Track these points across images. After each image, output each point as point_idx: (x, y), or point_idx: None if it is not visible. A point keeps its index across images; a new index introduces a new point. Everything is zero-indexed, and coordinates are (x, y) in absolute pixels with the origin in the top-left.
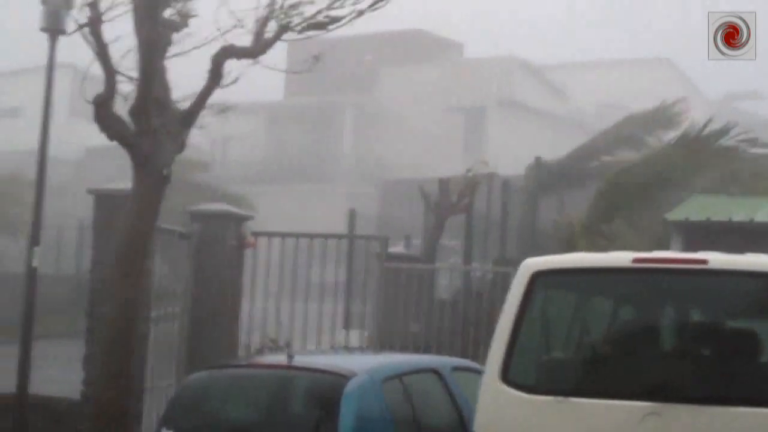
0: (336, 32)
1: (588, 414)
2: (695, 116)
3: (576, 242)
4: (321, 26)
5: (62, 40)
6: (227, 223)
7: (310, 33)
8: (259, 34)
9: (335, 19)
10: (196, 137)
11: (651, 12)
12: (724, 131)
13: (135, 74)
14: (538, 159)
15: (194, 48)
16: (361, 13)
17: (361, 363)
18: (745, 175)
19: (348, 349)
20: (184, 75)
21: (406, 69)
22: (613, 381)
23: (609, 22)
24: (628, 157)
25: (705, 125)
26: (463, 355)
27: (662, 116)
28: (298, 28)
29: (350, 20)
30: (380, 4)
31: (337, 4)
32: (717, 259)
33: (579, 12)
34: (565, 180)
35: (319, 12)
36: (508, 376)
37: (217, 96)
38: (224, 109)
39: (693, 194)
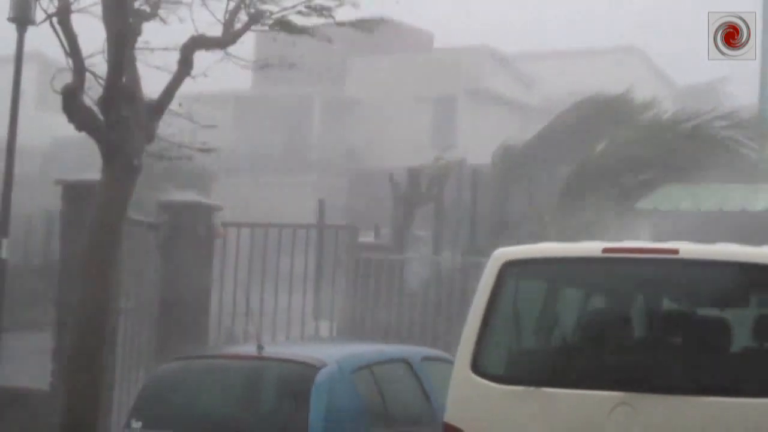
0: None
1: (558, 404)
2: (665, 104)
3: (546, 231)
4: (288, 27)
5: (30, 30)
6: (196, 214)
7: (278, 30)
8: (228, 24)
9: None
10: (163, 128)
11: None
12: (693, 115)
13: (104, 65)
14: (505, 144)
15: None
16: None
17: (332, 353)
18: (718, 161)
19: (318, 339)
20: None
21: (376, 59)
22: (584, 371)
23: (578, 12)
24: (596, 143)
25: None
26: (434, 345)
27: (626, 102)
28: (268, 23)
29: (318, 22)
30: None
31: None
32: (688, 249)
33: (548, 1)
34: (534, 165)
35: (287, 9)
36: (478, 366)
37: (186, 86)
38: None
39: (662, 183)
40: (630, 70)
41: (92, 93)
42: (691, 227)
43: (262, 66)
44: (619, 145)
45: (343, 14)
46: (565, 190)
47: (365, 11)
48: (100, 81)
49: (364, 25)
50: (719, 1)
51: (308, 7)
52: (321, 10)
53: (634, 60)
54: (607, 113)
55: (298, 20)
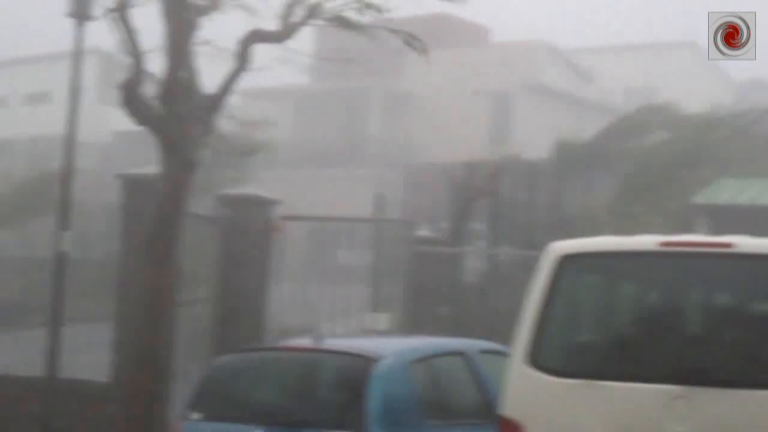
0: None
1: (615, 397)
2: (719, 99)
3: (602, 225)
4: (344, 23)
5: (90, 26)
6: (255, 208)
7: (335, 26)
8: (285, 18)
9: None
10: (223, 122)
11: None
12: (747, 112)
13: (162, 59)
14: (562, 140)
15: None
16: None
17: (389, 346)
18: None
19: (375, 332)
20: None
21: (433, 54)
22: (640, 364)
23: (635, 6)
24: (653, 139)
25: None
26: (490, 338)
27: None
28: (325, 17)
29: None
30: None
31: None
32: (743, 243)
33: None
34: (591, 163)
35: (344, 5)
36: (534, 359)
37: (245, 81)
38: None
39: (719, 177)
40: (686, 65)
41: (151, 87)
42: (746, 221)
43: (320, 60)
44: (674, 141)
45: (402, 11)
46: (622, 185)
47: (424, 8)
48: (159, 76)
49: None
50: (722, 1)
51: (365, 4)
52: (376, 8)
53: (691, 54)
54: (663, 114)
55: (354, 16)
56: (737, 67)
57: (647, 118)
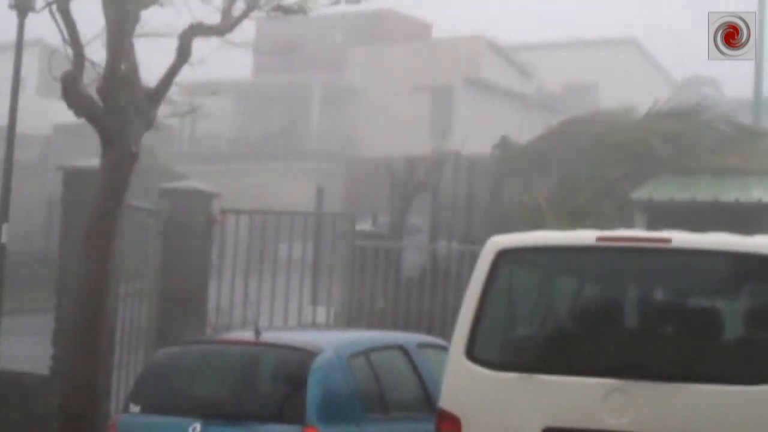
0: None
1: (552, 390)
2: (660, 96)
3: (542, 221)
4: (286, 11)
5: (31, 17)
6: (196, 201)
7: (278, 14)
8: (226, 12)
9: (301, 9)
10: (163, 115)
11: None
12: (687, 109)
13: (103, 52)
14: (503, 138)
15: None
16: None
17: (328, 339)
18: (707, 152)
19: (315, 326)
20: (152, 53)
21: (375, 48)
22: (578, 358)
23: (576, 3)
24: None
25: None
26: (429, 332)
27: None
28: (266, 8)
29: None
30: None
31: None
32: (680, 238)
33: None
34: (531, 158)
35: None
36: (473, 352)
37: (185, 74)
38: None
39: (658, 174)
40: (626, 62)
41: (92, 80)
42: (684, 217)
43: (262, 52)
44: (613, 138)
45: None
46: (560, 180)
47: (367, 2)
48: (100, 68)
49: None
50: (719, 1)
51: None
52: None
53: (631, 51)
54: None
55: (295, 5)
56: (677, 64)
57: (590, 120)
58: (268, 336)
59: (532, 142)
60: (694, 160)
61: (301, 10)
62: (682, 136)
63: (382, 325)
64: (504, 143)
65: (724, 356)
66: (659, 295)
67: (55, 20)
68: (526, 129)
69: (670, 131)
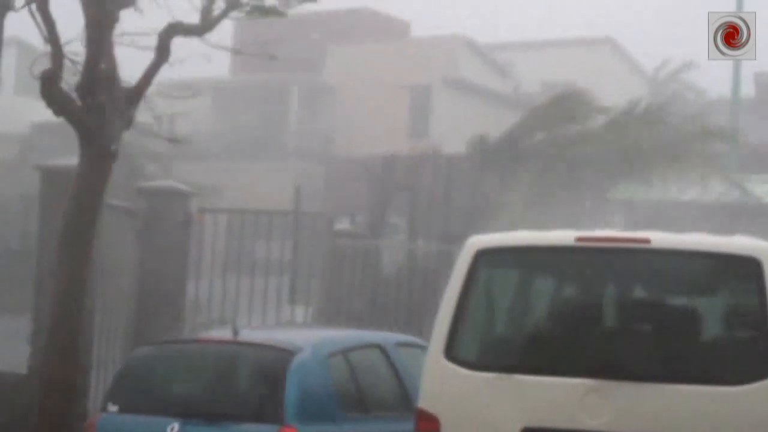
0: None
1: (530, 390)
2: (636, 94)
3: (519, 220)
4: (265, 11)
5: (9, 16)
6: (174, 200)
7: (256, 16)
8: (206, 11)
9: (281, 11)
10: (142, 114)
11: None
12: (659, 109)
13: (82, 51)
14: (480, 136)
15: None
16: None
17: (306, 338)
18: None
19: (293, 324)
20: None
21: (353, 47)
22: (556, 358)
23: (553, 2)
24: (567, 132)
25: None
26: (408, 331)
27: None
28: (246, 9)
29: (295, 7)
30: None
31: None
32: (659, 238)
33: None
34: (507, 156)
35: None
36: (451, 352)
37: (164, 73)
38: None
39: (632, 175)
40: (602, 60)
41: (70, 79)
42: (661, 217)
43: (240, 54)
44: (588, 137)
45: (323, 5)
46: (537, 179)
47: (345, 1)
48: (79, 67)
49: None
50: (719, 1)
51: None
52: None
53: (607, 50)
54: (578, 107)
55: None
56: (653, 63)
57: (561, 109)
58: (246, 335)
59: (506, 134)
60: (669, 161)
61: (279, 12)
62: (656, 138)
63: (361, 324)
64: (481, 141)
65: (703, 356)
66: (638, 294)
67: (35, 19)
68: (504, 127)
69: (646, 129)
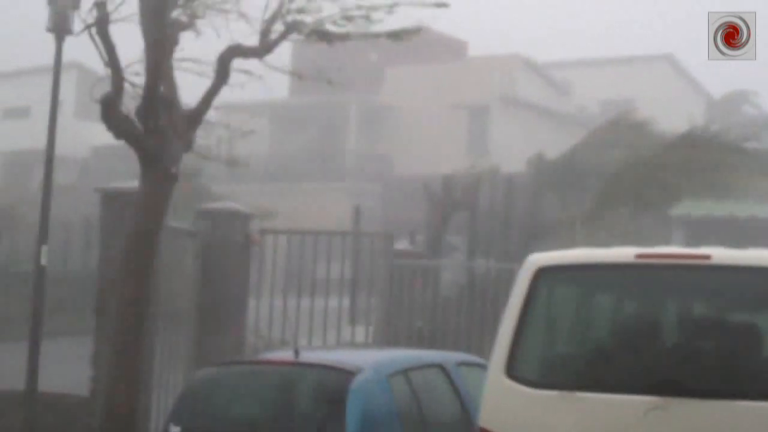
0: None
1: (592, 408)
2: (696, 112)
3: (579, 238)
4: (325, 36)
5: (69, 40)
6: (234, 221)
7: (315, 40)
8: (264, 34)
9: (341, 35)
10: (202, 137)
11: (653, 9)
12: (723, 132)
13: (142, 74)
14: (539, 155)
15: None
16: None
17: (367, 359)
18: (744, 175)
19: (354, 345)
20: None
21: (411, 67)
22: (617, 375)
23: (611, 20)
24: (627, 153)
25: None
26: (468, 351)
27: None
28: (305, 32)
29: (356, 36)
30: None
31: (345, 18)
32: (720, 254)
33: (581, 10)
34: (567, 177)
35: (325, 18)
36: (512, 370)
37: (224, 95)
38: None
39: (694, 194)
40: (662, 78)
41: (130, 102)
42: (721, 233)
43: (298, 77)
44: (649, 156)
45: (380, 24)
46: (597, 198)
47: (401, 20)
48: (138, 90)
49: (399, 36)
50: (722, 1)
51: (344, 17)
52: (356, 19)
53: (666, 68)
54: (634, 129)
55: (334, 30)
56: (714, 80)
57: (619, 132)
58: (306, 356)
59: (565, 155)
60: (732, 183)
61: (337, 36)
62: (720, 163)
63: (421, 343)
64: (539, 159)
65: (765, 372)
66: (699, 311)
67: (95, 43)
68: (562, 146)
69: (708, 159)
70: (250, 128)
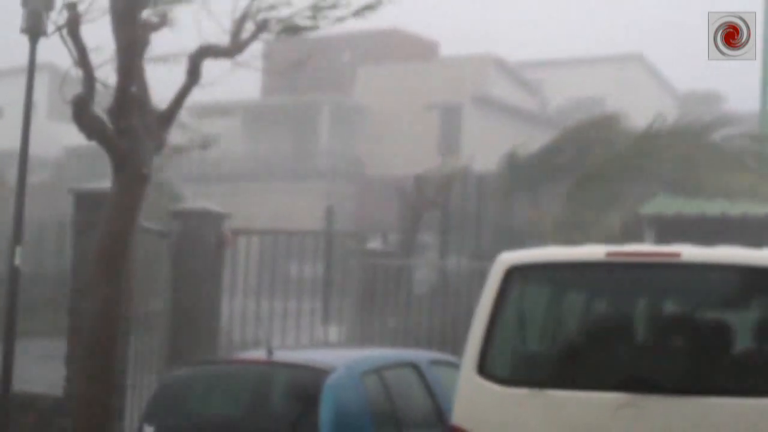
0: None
1: (563, 405)
2: (664, 111)
3: (549, 236)
4: (296, 30)
5: (42, 42)
6: (206, 222)
7: (286, 35)
8: (236, 33)
9: (312, 26)
10: (173, 136)
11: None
12: (694, 122)
13: (114, 75)
14: (510, 153)
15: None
16: (340, 19)
17: (340, 358)
18: (714, 173)
19: (327, 344)
20: (162, 75)
21: (383, 68)
22: (588, 373)
23: (581, 20)
24: (596, 152)
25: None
26: (441, 349)
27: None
28: (275, 29)
29: (325, 25)
30: (363, 12)
31: (314, 10)
32: (690, 252)
33: (551, 10)
34: (538, 175)
35: (295, 14)
36: (484, 368)
37: (195, 95)
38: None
39: (663, 192)
40: (631, 77)
41: (102, 102)
42: (691, 232)
43: (270, 71)
44: (619, 154)
45: (350, 24)
46: (568, 196)
47: (371, 21)
48: (110, 91)
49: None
50: (719, 1)
51: (314, 8)
52: (325, 12)
53: (636, 66)
54: (604, 127)
55: (303, 24)
56: (682, 79)
57: (591, 130)
58: (280, 355)
59: (538, 153)
60: (704, 179)
61: (310, 28)
62: (691, 157)
63: (394, 342)
64: (511, 158)
65: (735, 369)
66: (669, 308)
67: (66, 44)
68: (534, 145)
69: (679, 152)
70: (221, 128)
